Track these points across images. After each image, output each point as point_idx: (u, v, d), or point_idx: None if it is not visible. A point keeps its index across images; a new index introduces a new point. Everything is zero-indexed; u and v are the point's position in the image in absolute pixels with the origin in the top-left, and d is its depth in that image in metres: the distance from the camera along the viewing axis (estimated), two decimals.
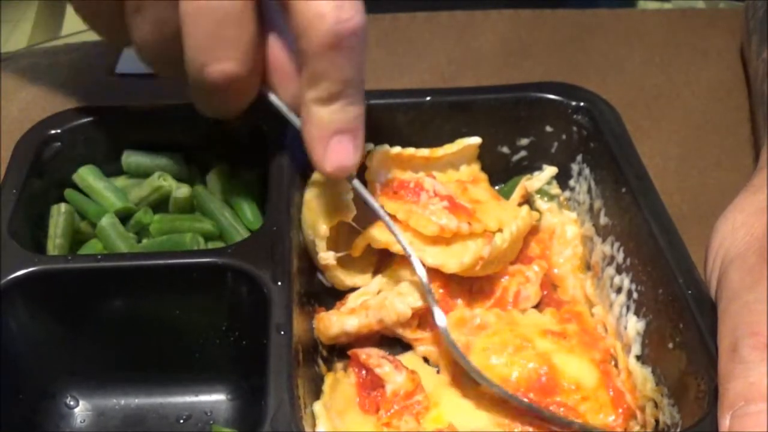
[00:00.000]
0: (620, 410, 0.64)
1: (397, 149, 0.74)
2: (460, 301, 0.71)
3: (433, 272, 0.70)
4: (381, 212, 0.67)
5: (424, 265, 0.67)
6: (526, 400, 0.64)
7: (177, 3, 0.61)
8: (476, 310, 0.70)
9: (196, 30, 0.61)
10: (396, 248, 0.70)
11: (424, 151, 0.76)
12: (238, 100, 0.66)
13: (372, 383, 0.66)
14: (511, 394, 0.63)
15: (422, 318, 0.70)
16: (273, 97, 0.67)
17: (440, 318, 0.65)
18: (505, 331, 0.68)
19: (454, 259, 0.69)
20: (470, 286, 0.72)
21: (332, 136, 0.64)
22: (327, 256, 0.70)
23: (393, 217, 0.71)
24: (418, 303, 0.68)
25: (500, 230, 0.71)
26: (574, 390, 0.65)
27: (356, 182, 0.67)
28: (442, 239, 0.70)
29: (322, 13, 0.60)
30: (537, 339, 0.68)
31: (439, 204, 0.72)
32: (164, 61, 0.66)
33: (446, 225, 0.70)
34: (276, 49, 0.66)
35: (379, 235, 0.71)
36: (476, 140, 0.77)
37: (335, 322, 0.68)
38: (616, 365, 0.68)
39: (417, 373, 0.66)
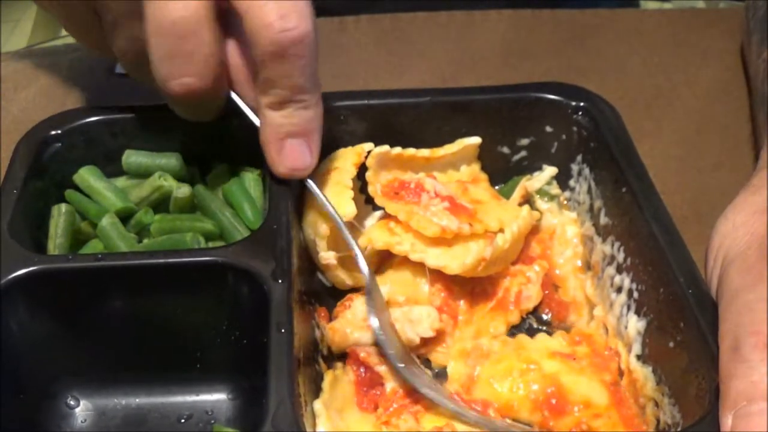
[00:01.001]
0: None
1: (397, 150, 0.74)
2: (462, 303, 0.71)
3: (435, 274, 0.70)
4: (332, 211, 0.68)
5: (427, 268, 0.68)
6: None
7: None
8: (482, 339, 0.70)
9: (157, 47, 0.64)
10: (397, 249, 0.70)
11: (425, 152, 0.76)
12: (207, 106, 0.69)
13: (371, 381, 0.66)
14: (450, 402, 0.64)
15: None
16: (235, 97, 0.69)
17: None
18: (510, 357, 0.68)
19: (456, 260, 0.69)
20: (472, 288, 0.72)
21: (285, 139, 0.67)
22: (328, 256, 0.70)
23: (394, 218, 0.71)
24: (428, 333, 0.69)
25: (501, 230, 0.71)
26: (584, 408, 0.64)
27: (310, 183, 0.69)
28: (444, 240, 0.70)
29: (267, 23, 0.62)
30: (544, 361, 0.67)
31: (440, 205, 0.72)
32: (141, 71, 0.69)
33: (447, 226, 0.70)
34: (236, 54, 0.68)
35: (379, 236, 0.70)
36: (476, 140, 0.77)
37: (350, 335, 0.69)
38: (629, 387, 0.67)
39: None
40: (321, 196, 0.69)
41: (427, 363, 0.70)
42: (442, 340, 0.70)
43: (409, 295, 0.71)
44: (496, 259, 0.70)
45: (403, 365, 0.65)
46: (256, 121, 0.69)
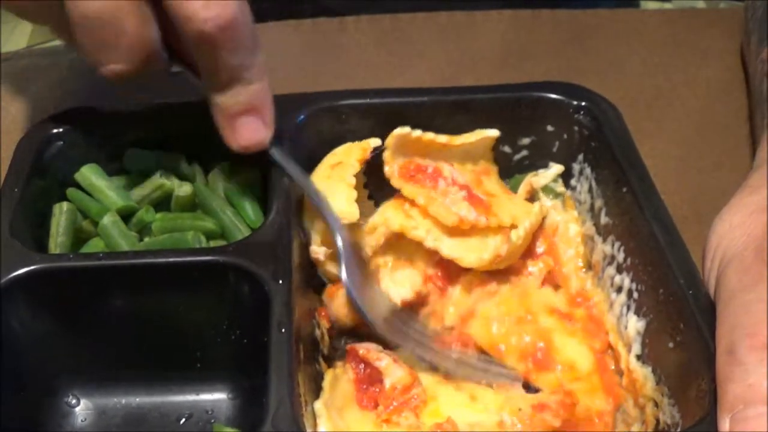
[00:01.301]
0: (611, 398, 0.66)
1: (417, 132, 0.73)
2: (459, 289, 0.72)
3: (441, 261, 0.70)
4: (302, 180, 0.69)
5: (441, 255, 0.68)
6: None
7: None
8: (491, 284, 0.71)
9: (82, 39, 0.65)
10: (413, 234, 0.70)
11: (443, 138, 0.75)
12: (145, 77, 0.68)
13: (370, 378, 0.66)
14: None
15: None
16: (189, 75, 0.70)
17: (344, 274, 0.67)
18: (511, 301, 0.69)
19: (472, 253, 0.69)
20: (471, 277, 0.72)
21: (236, 117, 0.68)
22: (318, 251, 0.71)
23: (409, 200, 0.71)
24: (408, 295, 0.69)
25: (513, 225, 0.71)
26: (567, 370, 0.66)
27: (274, 151, 0.70)
28: (459, 230, 0.70)
29: (189, 15, 0.62)
30: (541, 315, 0.69)
31: (459, 194, 0.72)
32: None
33: (465, 216, 0.70)
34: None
35: (394, 217, 0.70)
36: (494, 133, 0.77)
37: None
38: (615, 362, 0.68)
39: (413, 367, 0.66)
40: (287, 164, 0.70)
41: None
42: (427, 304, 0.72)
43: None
44: (509, 255, 0.71)
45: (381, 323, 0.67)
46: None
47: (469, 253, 0.69)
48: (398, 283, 0.69)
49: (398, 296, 0.69)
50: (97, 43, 0.65)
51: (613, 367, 0.68)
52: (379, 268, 0.72)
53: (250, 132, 0.68)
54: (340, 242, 0.68)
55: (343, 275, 0.67)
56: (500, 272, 0.72)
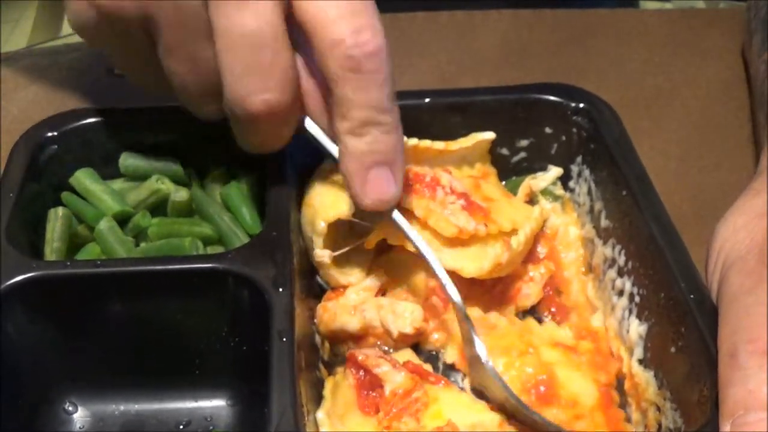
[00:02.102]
0: None
1: (413, 141, 0.73)
2: None
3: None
4: (421, 246, 0.66)
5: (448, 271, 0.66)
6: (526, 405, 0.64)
7: (212, 39, 0.61)
8: (491, 313, 0.71)
9: (233, 62, 0.61)
10: (411, 247, 0.69)
11: (440, 144, 0.75)
12: (282, 130, 0.65)
13: (371, 383, 0.66)
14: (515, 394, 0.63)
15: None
16: (309, 123, 0.66)
17: (481, 350, 0.65)
18: (513, 336, 0.68)
19: (472, 262, 0.69)
20: (471, 281, 0.72)
21: (370, 168, 0.63)
22: (322, 254, 0.70)
23: (410, 212, 0.70)
24: (407, 330, 0.68)
25: (514, 230, 0.71)
26: (570, 406, 0.65)
27: (396, 214, 0.66)
28: (459, 240, 0.70)
29: (340, 39, 0.59)
30: (544, 349, 0.68)
31: (457, 203, 0.71)
32: (206, 99, 0.66)
33: (464, 227, 0.69)
34: (305, 75, 0.65)
35: (393, 230, 0.70)
36: (490, 135, 0.77)
37: (338, 317, 0.69)
38: (621, 393, 0.68)
39: (418, 366, 0.66)
40: (407, 229, 0.66)
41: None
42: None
43: (402, 280, 0.72)
44: (510, 262, 0.70)
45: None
46: (332, 149, 0.65)
47: (470, 262, 0.69)
48: (398, 315, 0.69)
49: (396, 329, 0.69)
50: (251, 67, 0.61)
51: (618, 401, 0.67)
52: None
53: (382, 186, 0.63)
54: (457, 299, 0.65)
55: (483, 354, 0.65)
56: (497, 299, 0.72)
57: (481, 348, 0.65)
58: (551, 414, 0.64)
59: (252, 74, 0.61)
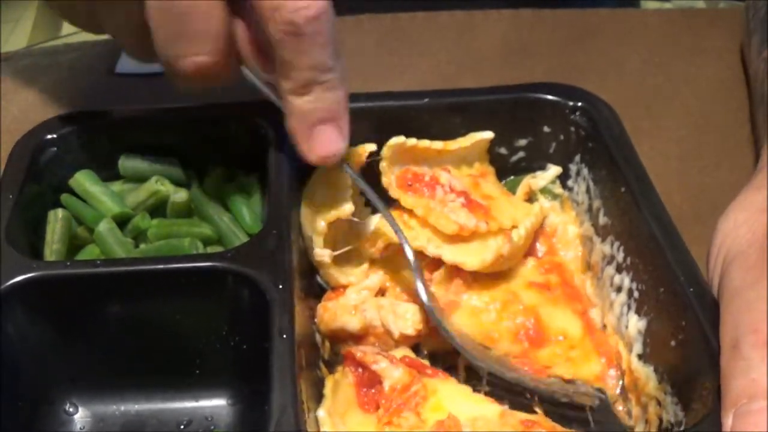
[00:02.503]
0: (603, 359, 0.67)
1: (412, 141, 0.73)
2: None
3: (434, 262, 0.70)
4: (374, 198, 0.67)
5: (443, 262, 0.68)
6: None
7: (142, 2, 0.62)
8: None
9: (164, 26, 0.62)
10: (413, 244, 0.69)
11: (438, 144, 0.75)
12: (216, 82, 0.67)
13: (370, 380, 0.66)
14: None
15: None
16: (248, 74, 0.67)
17: (422, 293, 0.66)
18: (491, 285, 0.69)
19: (473, 256, 0.69)
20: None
21: (314, 125, 0.65)
22: (323, 254, 0.70)
23: (408, 211, 0.71)
24: (408, 332, 0.69)
25: (514, 227, 0.71)
26: (562, 340, 0.67)
27: (348, 169, 0.68)
28: (460, 237, 0.70)
29: (277, 5, 0.60)
30: (523, 292, 0.70)
31: (457, 201, 0.71)
32: (140, 49, 0.67)
33: (465, 224, 0.70)
34: (247, 35, 0.66)
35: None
36: (488, 135, 0.77)
37: (339, 317, 0.69)
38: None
39: (415, 360, 0.67)
40: (362, 183, 0.68)
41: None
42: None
43: (402, 280, 0.72)
44: (511, 255, 0.71)
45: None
46: (273, 99, 0.67)
47: (471, 256, 0.69)
48: (399, 316, 0.69)
49: (397, 330, 0.69)
50: (180, 33, 0.62)
51: (598, 322, 0.70)
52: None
53: (327, 142, 0.65)
54: (412, 258, 0.67)
55: (423, 297, 0.66)
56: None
57: (422, 291, 0.66)
58: (546, 353, 0.67)
59: (180, 40, 0.63)
